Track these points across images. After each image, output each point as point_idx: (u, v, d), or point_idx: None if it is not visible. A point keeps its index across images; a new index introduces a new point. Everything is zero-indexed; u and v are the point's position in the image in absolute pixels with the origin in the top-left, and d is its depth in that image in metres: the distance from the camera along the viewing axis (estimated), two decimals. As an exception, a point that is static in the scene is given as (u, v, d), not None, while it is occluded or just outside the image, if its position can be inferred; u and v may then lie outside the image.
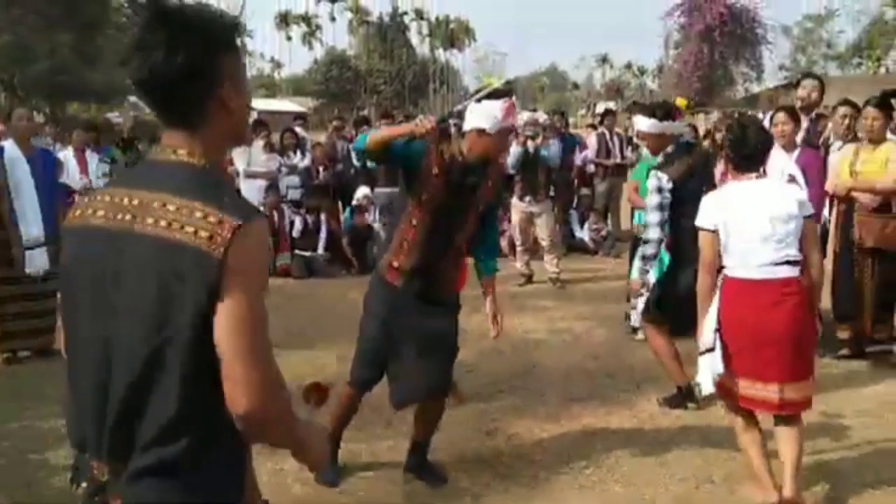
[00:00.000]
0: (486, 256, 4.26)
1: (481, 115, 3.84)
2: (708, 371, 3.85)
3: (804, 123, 6.87)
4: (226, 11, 1.75)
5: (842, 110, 6.74)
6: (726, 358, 3.81)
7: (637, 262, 5.34)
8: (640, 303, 6.12)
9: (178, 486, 1.63)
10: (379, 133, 3.82)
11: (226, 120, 1.73)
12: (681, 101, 5.83)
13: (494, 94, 3.88)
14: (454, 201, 3.85)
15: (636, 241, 7.22)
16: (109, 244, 1.65)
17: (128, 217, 1.64)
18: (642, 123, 5.46)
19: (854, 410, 5.19)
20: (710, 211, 3.94)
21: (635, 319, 6.80)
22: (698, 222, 3.97)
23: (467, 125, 3.91)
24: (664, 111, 5.48)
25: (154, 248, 1.60)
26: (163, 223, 1.60)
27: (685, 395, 5.25)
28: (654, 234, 5.19)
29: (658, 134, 5.42)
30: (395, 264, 3.87)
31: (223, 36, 1.71)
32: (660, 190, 5.18)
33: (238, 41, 1.75)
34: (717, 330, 3.82)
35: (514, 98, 4.08)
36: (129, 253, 1.63)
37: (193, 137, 1.70)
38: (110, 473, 1.64)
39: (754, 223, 3.80)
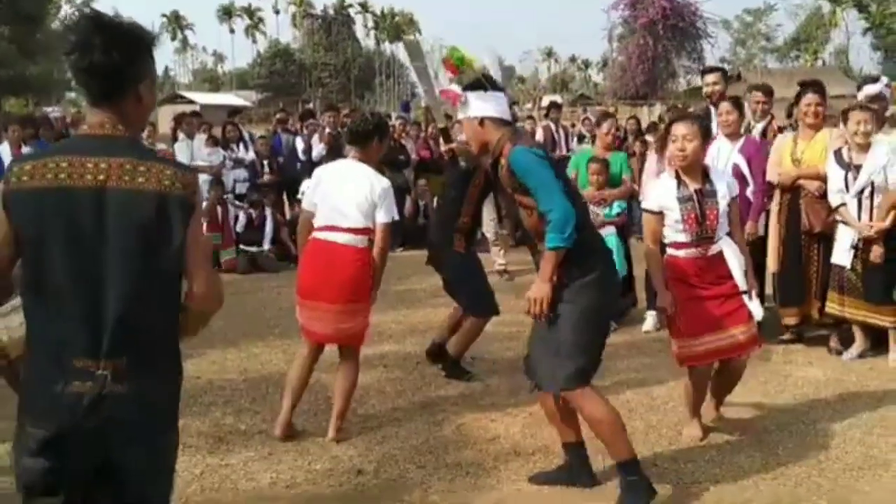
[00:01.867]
0: None
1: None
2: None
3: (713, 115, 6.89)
4: (148, 28, 2.31)
5: (756, 95, 7.04)
6: None
7: None
8: None
9: (168, 372, 2.29)
10: None
11: (139, 107, 2.27)
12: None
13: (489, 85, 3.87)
14: None
15: None
16: (85, 199, 2.13)
17: (101, 177, 2.14)
18: None
19: (793, 394, 5.33)
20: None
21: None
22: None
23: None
24: None
25: (137, 197, 2.15)
26: (140, 179, 2.16)
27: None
28: None
29: None
30: None
31: (145, 45, 2.26)
32: None
33: (155, 51, 2.30)
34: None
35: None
36: (112, 203, 2.13)
37: (114, 116, 2.22)
38: (112, 370, 2.14)
39: None
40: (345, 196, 4.49)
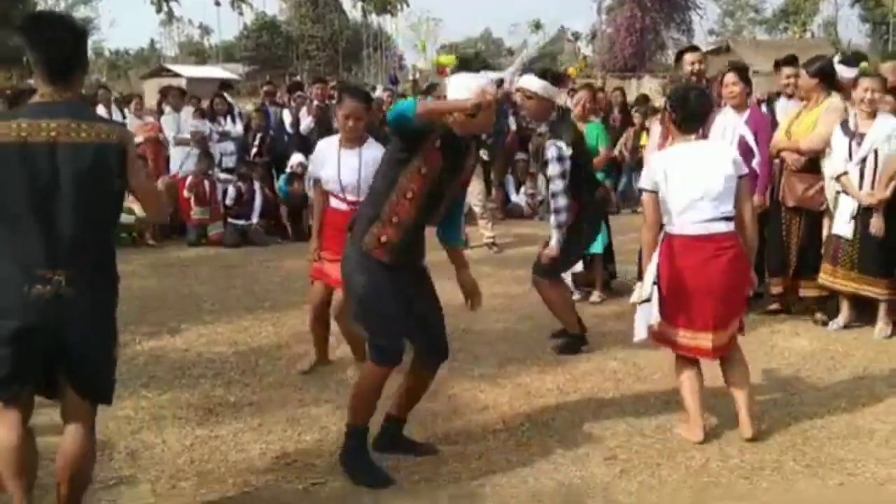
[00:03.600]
0: (456, 230, 4.12)
1: (469, 89, 3.67)
2: (643, 320, 4.17)
3: None
4: (81, 21, 2.99)
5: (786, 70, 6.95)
6: (666, 309, 4.10)
7: (555, 234, 5.42)
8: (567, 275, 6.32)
9: (107, 280, 3.06)
10: (438, 105, 3.76)
11: (82, 78, 3.09)
12: (572, 70, 6.00)
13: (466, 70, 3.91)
14: (448, 174, 3.73)
15: None
16: (41, 152, 2.84)
17: (52, 134, 2.86)
18: (534, 84, 5.44)
19: (779, 363, 5.38)
20: (652, 172, 4.12)
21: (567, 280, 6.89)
22: (642, 184, 4.16)
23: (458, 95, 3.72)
24: (554, 76, 5.59)
25: (81, 149, 2.89)
26: (83, 135, 2.91)
27: (579, 342, 5.65)
28: (563, 201, 5.37)
29: (547, 98, 5.51)
30: (384, 239, 3.67)
31: (85, 34, 3.07)
32: (560, 158, 5.36)
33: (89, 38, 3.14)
34: (656, 283, 4.11)
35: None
36: (62, 155, 2.86)
37: (66, 88, 2.97)
38: (65, 277, 2.87)
39: (693, 182, 4.02)
40: None
